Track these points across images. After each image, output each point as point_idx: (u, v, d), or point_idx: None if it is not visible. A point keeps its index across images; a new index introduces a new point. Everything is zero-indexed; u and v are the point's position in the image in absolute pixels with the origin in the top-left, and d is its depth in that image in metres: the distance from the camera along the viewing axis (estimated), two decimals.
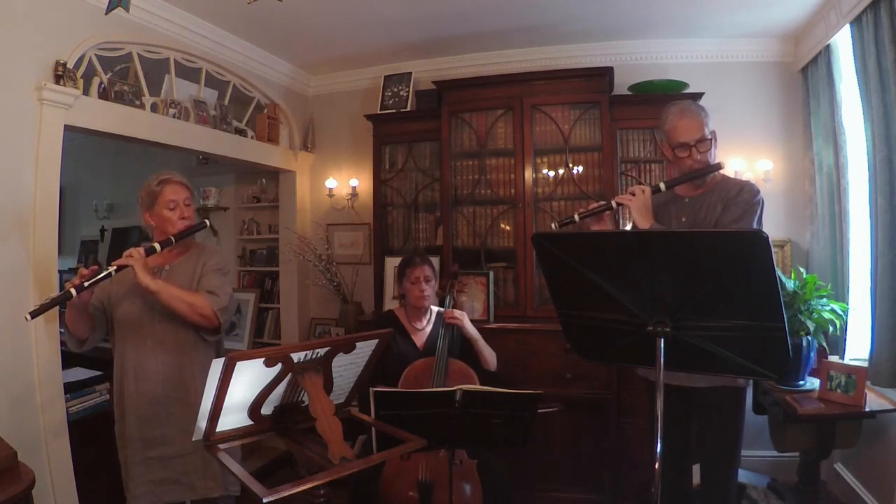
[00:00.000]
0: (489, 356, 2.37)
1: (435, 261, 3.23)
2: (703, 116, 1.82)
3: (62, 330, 1.87)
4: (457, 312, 2.33)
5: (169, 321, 1.79)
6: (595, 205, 1.91)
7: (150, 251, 1.71)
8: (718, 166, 1.82)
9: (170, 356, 1.81)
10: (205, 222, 1.90)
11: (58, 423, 2.17)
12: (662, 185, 1.86)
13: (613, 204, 1.86)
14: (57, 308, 2.21)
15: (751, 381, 1.90)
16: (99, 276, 1.62)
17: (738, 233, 1.46)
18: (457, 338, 2.35)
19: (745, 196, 1.77)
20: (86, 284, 1.60)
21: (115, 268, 1.64)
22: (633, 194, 1.83)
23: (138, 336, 1.81)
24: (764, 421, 2.65)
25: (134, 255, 1.67)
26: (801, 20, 2.92)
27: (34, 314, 1.57)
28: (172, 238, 1.76)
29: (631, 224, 1.96)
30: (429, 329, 2.43)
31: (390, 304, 3.26)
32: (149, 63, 2.75)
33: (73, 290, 1.58)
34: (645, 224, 1.80)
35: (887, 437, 2.39)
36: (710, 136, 1.81)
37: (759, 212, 1.76)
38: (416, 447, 1.33)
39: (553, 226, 2.13)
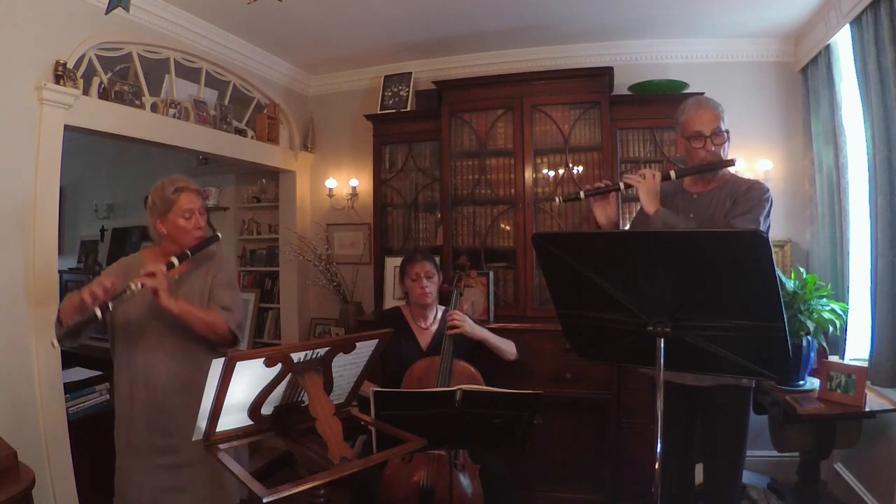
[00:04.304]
0: (506, 347, 2.35)
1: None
2: (720, 111, 1.82)
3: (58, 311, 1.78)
4: (457, 317, 2.25)
5: (180, 330, 1.75)
6: (601, 183, 1.88)
7: (169, 267, 1.66)
8: (731, 161, 1.81)
9: (182, 365, 1.77)
10: (217, 235, 1.86)
11: (58, 423, 2.17)
12: (673, 174, 1.83)
13: (621, 185, 1.84)
14: (56, 305, 2.23)
15: (754, 380, 1.89)
16: (121, 294, 1.56)
17: (738, 233, 1.45)
18: (464, 339, 2.28)
19: (754, 193, 1.76)
20: (110, 306, 1.54)
21: (137, 286, 1.57)
22: (643, 177, 1.81)
23: (148, 344, 1.77)
24: (764, 421, 2.65)
25: (158, 276, 1.60)
26: (801, 20, 2.92)
27: (61, 340, 1.51)
28: (189, 252, 1.72)
29: (639, 208, 1.94)
30: (434, 328, 2.38)
31: (390, 304, 3.26)
32: (149, 63, 2.75)
33: (98, 311, 1.50)
34: (651, 208, 1.78)
35: (887, 437, 2.39)
36: (725, 130, 1.81)
37: (767, 208, 1.75)
38: (416, 447, 1.33)
39: (557, 199, 2.11)
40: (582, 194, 1.87)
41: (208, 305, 1.80)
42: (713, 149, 1.80)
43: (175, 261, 1.68)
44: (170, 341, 1.77)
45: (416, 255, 2.39)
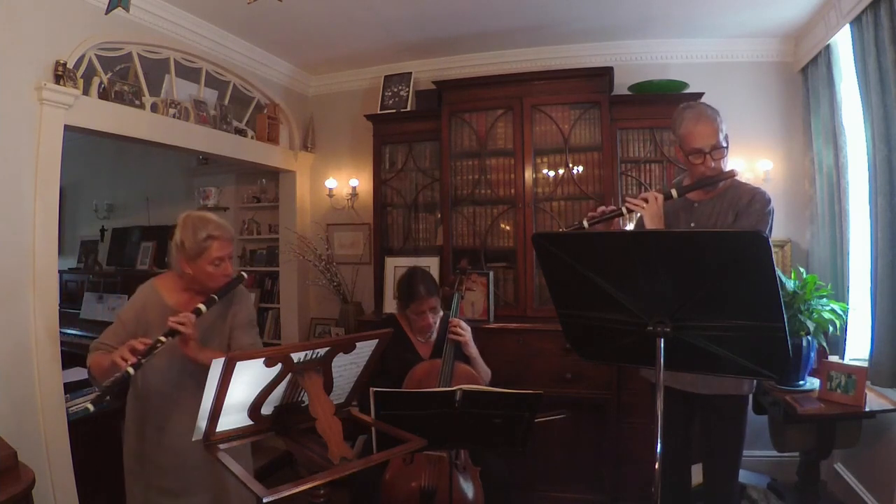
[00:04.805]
0: (484, 375, 2.29)
1: (435, 261, 3.23)
2: (718, 122, 1.78)
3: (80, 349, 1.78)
4: (461, 329, 2.22)
5: (197, 372, 1.68)
6: (605, 208, 1.85)
7: (197, 314, 1.66)
8: (731, 174, 1.79)
9: (198, 409, 1.75)
10: (242, 275, 1.83)
11: (58, 423, 2.17)
12: (674, 192, 1.81)
13: (624, 210, 1.81)
14: (57, 307, 2.24)
15: (753, 388, 1.88)
16: (152, 350, 1.56)
17: (738, 233, 1.45)
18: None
19: (756, 205, 1.75)
20: (143, 361, 1.54)
21: (167, 339, 1.58)
22: (646, 201, 1.79)
23: (164, 385, 1.76)
24: (764, 421, 2.65)
25: (187, 325, 1.59)
26: (801, 20, 2.92)
27: (95, 403, 1.52)
28: (216, 297, 1.71)
29: (638, 216, 1.93)
30: (434, 337, 2.33)
31: (390, 303, 3.26)
32: (149, 63, 2.75)
33: (130, 370, 1.51)
34: None
35: (887, 437, 2.39)
36: (724, 144, 1.78)
37: (770, 222, 1.74)
38: (416, 447, 1.33)
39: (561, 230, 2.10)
40: (585, 223, 1.82)
41: (230, 347, 1.80)
42: (713, 164, 1.77)
43: (203, 308, 1.67)
44: (189, 385, 1.72)
45: (419, 288, 2.24)
